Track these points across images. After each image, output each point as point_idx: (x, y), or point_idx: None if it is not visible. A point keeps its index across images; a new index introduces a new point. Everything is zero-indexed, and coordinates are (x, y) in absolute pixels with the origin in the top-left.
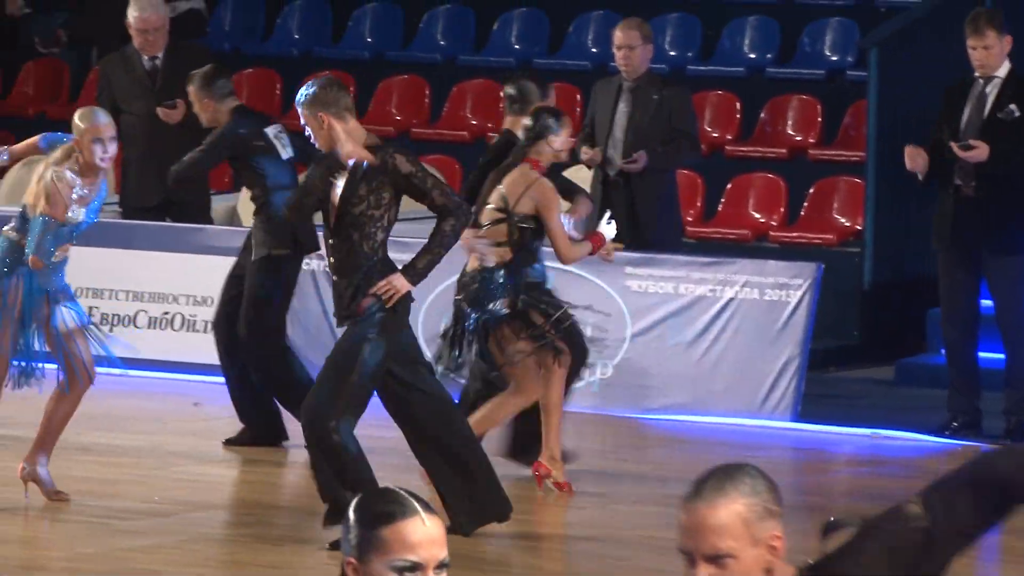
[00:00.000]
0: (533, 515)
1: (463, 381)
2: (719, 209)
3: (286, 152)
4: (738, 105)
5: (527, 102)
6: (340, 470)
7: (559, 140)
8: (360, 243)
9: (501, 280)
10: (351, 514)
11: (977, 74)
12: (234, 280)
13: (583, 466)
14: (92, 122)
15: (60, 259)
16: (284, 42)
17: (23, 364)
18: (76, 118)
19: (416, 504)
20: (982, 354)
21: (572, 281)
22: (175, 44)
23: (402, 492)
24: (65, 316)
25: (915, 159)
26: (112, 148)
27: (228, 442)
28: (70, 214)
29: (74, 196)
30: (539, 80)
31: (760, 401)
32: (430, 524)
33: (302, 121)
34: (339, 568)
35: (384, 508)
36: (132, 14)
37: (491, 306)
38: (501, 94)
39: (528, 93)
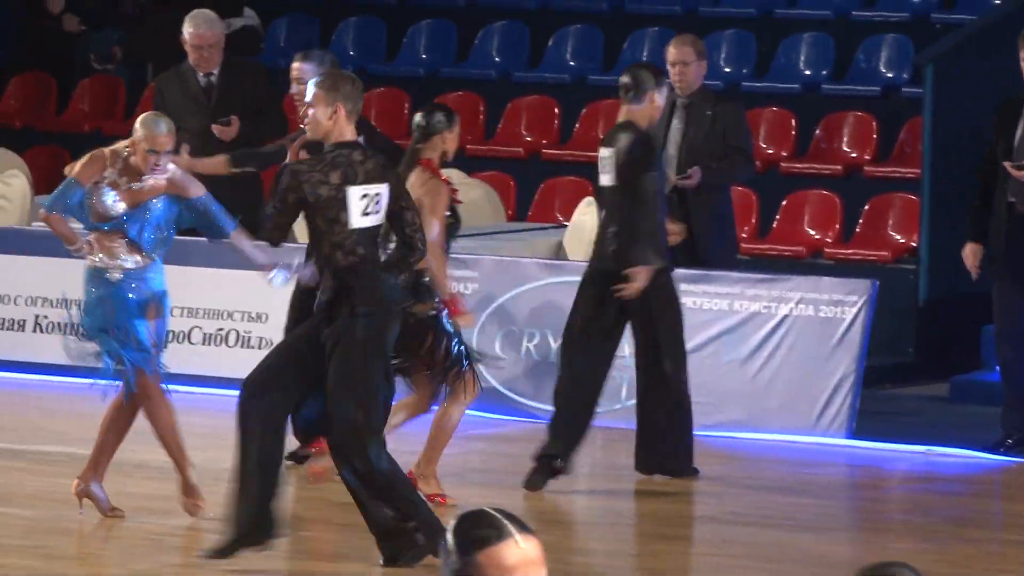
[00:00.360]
0: (586, 532)
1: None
2: (774, 226)
3: None
4: (793, 122)
5: (642, 91)
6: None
7: (452, 137)
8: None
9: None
10: (449, 539)
11: None
12: (303, 295)
13: (640, 482)
14: (152, 131)
15: (104, 258)
16: (339, 59)
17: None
18: (138, 122)
19: (510, 526)
20: None
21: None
22: (230, 61)
23: (496, 514)
24: (145, 331)
25: (969, 257)
26: (164, 163)
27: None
28: (108, 202)
29: (106, 176)
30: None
31: (815, 418)
32: (525, 545)
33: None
34: None
35: (479, 532)
36: (187, 30)
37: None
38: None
39: (643, 82)
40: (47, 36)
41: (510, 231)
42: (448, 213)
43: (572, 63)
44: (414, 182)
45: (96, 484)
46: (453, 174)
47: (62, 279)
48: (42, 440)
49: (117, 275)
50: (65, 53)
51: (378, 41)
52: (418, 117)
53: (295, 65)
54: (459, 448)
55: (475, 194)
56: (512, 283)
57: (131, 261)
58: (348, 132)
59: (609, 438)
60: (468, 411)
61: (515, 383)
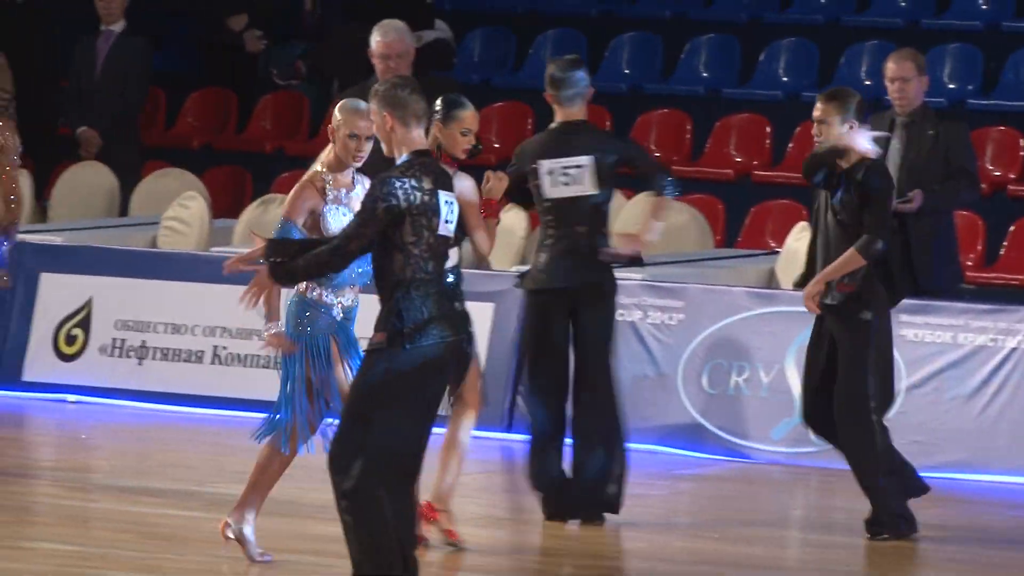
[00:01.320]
0: None
1: None
2: (1001, 253)
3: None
4: (1022, 142)
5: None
6: None
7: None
8: None
9: None
10: None
11: None
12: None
13: (851, 529)
14: (350, 115)
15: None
16: (535, 74)
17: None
18: (336, 108)
19: None
20: None
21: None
22: (421, 75)
23: None
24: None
25: None
26: (367, 148)
27: None
28: (334, 224)
29: (327, 197)
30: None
31: None
32: None
33: None
34: None
35: None
36: (374, 39)
37: None
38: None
39: (847, 97)
40: (227, 52)
41: (718, 258)
42: None
43: (785, 79)
44: None
45: (248, 525)
46: None
47: (242, 308)
48: (220, 480)
49: (338, 313)
50: (245, 69)
51: (577, 55)
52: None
53: None
54: (664, 489)
55: (681, 218)
56: (720, 313)
57: (349, 297)
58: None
59: (824, 478)
60: (673, 450)
61: (723, 420)
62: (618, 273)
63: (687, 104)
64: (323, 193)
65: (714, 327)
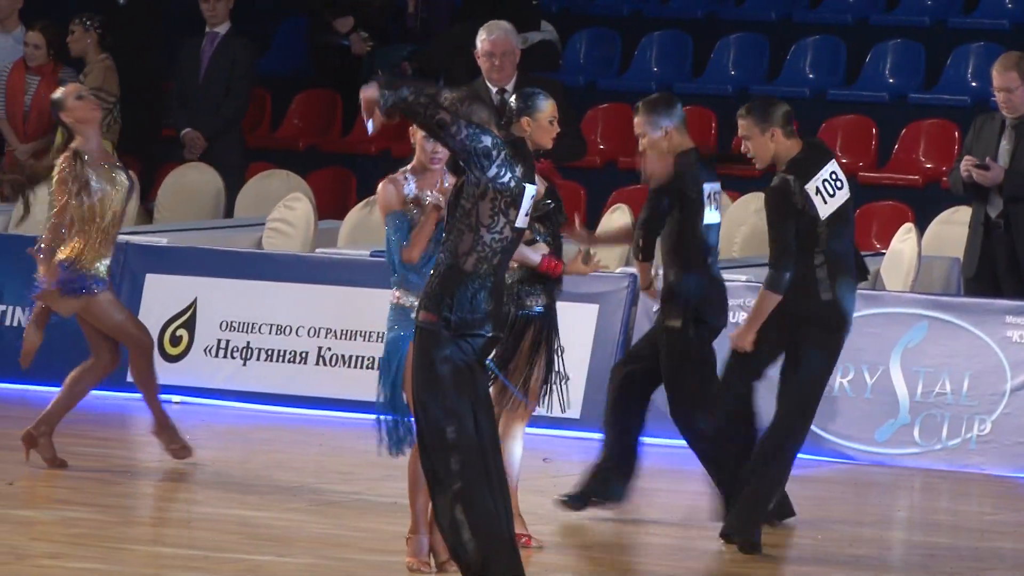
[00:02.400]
0: None
1: None
2: None
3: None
4: None
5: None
6: None
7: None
8: None
9: None
10: None
11: None
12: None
13: (955, 531)
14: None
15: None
16: (642, 76)
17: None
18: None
19: None
20: None
21: (946, 330)
22: (526, 77)
23: None
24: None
25: None
26: (444, 150)
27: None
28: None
29: (407, 194)
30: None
31: None
32: None
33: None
34: None
35: None
36: (480, 38)
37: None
38: None
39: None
40: (333, 54)
41: None
42: (548, 200)
43: (891, 80)
44: None
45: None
46: None
47: (347, 309)
48: (324, 480)
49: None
50: (351, 71)
51: (683, 57)
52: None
53: None
54: None
55: None
56: None
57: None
58: None
59: (928, 480)
60: None
61: (827, 421)
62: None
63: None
64: (401, 192)
65: None
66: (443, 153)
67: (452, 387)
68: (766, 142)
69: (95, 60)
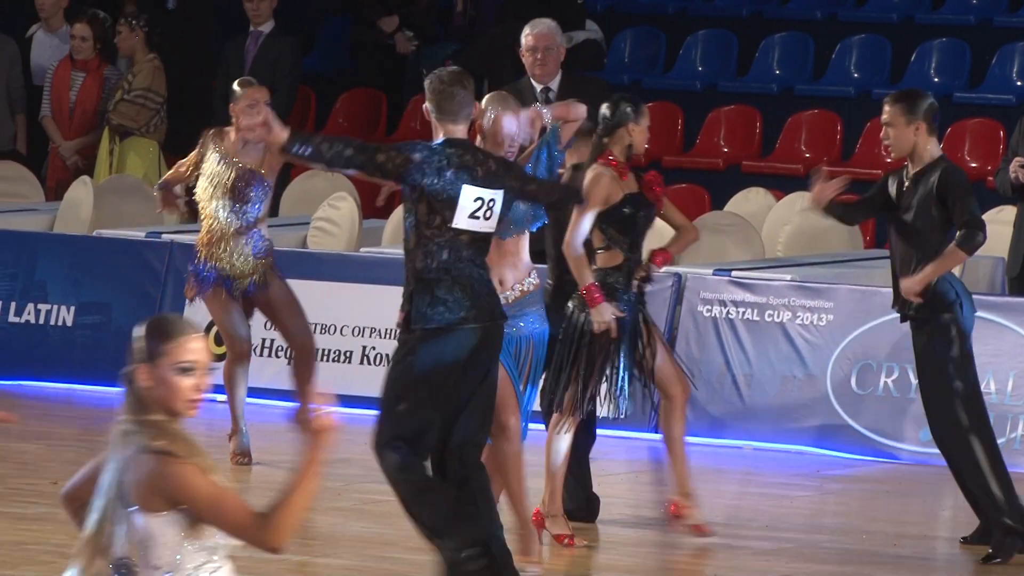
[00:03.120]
0: None
1: None
2: None
3: None
4: None
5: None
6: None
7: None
8: None
9: None
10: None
11: None
12: None
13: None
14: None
15: None
16: (687, 75)
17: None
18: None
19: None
20: None
21: (991, 329)
22: (570, 76)
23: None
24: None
25: None
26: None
27: None
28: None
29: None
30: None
31: None
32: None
33: None
34: None
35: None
36: (524, 34)
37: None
38: None
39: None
40: (378, 52)
41: (867, 259)
42: (625, 207)
43: (936, 79)
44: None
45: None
46: None
47: (391, 309)
48: (370, 479)
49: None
50: (396, 70)
51: (728, 57)
52: (603, 108)
53: None
54: (813, 490)
55: (829, 220)
56: (869, 314)
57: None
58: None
59: None
60: (822, 451)
61: (871, 420)
62: (767, 274)
63: (836, 104)
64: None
65: (863, 328)
66: (516, 147)
67: (414, 385)
68: (908, 134)
69: (143, 60)
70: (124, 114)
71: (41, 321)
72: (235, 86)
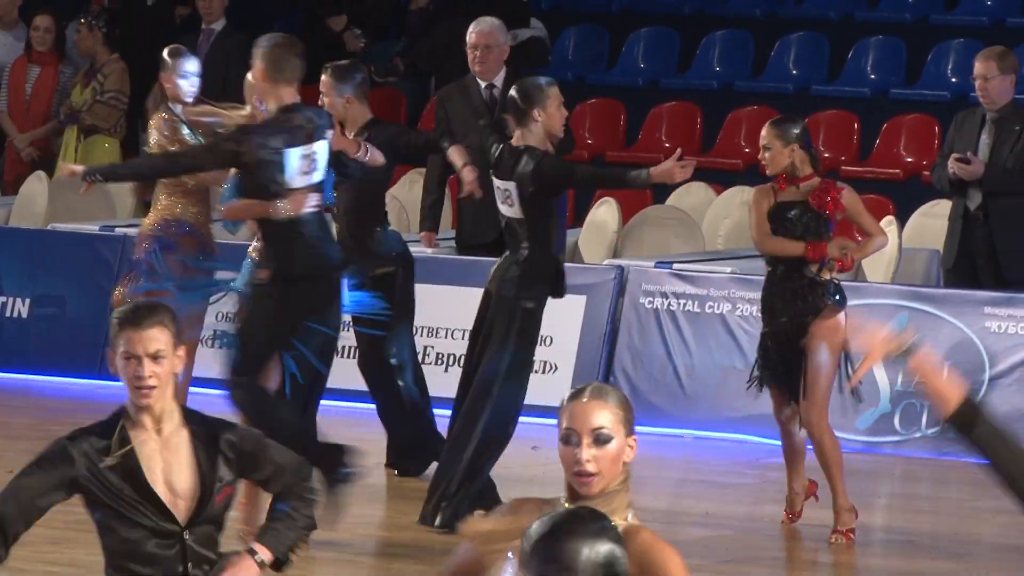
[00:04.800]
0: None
1: None
2: None
3: None
4: None
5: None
6: None
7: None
8: None
9: None
10: None
11: None
12: None
13: (935, 517)
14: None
15: None
16: (629, 71)
17: None
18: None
19: None
20: None
21: (926, 321)
22: (515, 73)
23: None
24: None
25: None
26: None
27: None
28: None
29: None
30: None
31: None
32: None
33: None
34: None
35: None
36: (469, 31)
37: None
38: None
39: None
40: (326, 51)
41: None
42: None
43: (873, 76)
44: None
45: None
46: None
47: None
48: (426, 477)
49: None
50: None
51: (670, 53)
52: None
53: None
54: (751, 479)
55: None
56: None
57: None
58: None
59: (908, 467)
60: (761, 439)
61: None
62: (708, 267)
63: (776, 101)
64: None
65: None
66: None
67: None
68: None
69: (107, 60)
70: (97, 115)
71: None
72: (165, 55)
